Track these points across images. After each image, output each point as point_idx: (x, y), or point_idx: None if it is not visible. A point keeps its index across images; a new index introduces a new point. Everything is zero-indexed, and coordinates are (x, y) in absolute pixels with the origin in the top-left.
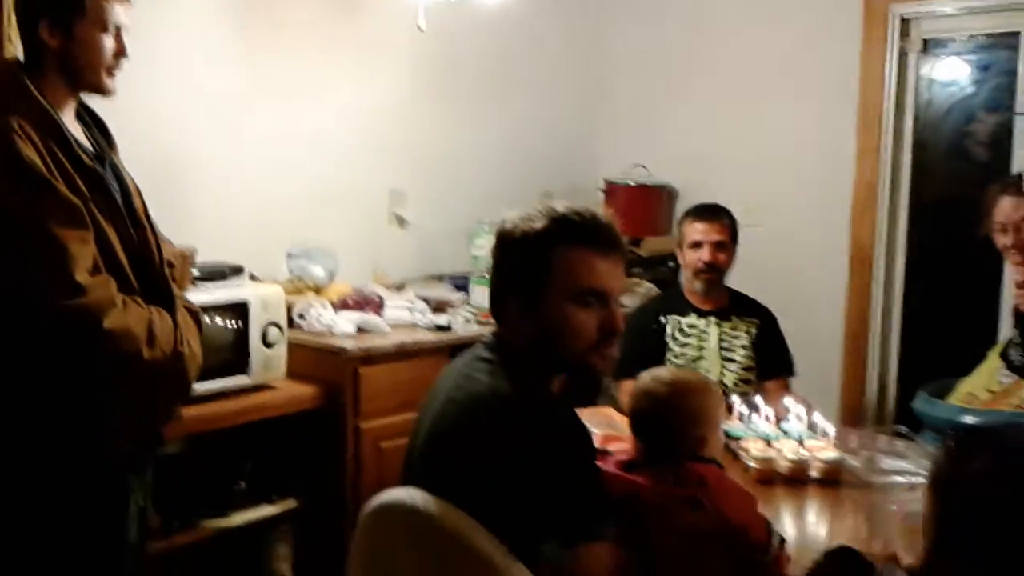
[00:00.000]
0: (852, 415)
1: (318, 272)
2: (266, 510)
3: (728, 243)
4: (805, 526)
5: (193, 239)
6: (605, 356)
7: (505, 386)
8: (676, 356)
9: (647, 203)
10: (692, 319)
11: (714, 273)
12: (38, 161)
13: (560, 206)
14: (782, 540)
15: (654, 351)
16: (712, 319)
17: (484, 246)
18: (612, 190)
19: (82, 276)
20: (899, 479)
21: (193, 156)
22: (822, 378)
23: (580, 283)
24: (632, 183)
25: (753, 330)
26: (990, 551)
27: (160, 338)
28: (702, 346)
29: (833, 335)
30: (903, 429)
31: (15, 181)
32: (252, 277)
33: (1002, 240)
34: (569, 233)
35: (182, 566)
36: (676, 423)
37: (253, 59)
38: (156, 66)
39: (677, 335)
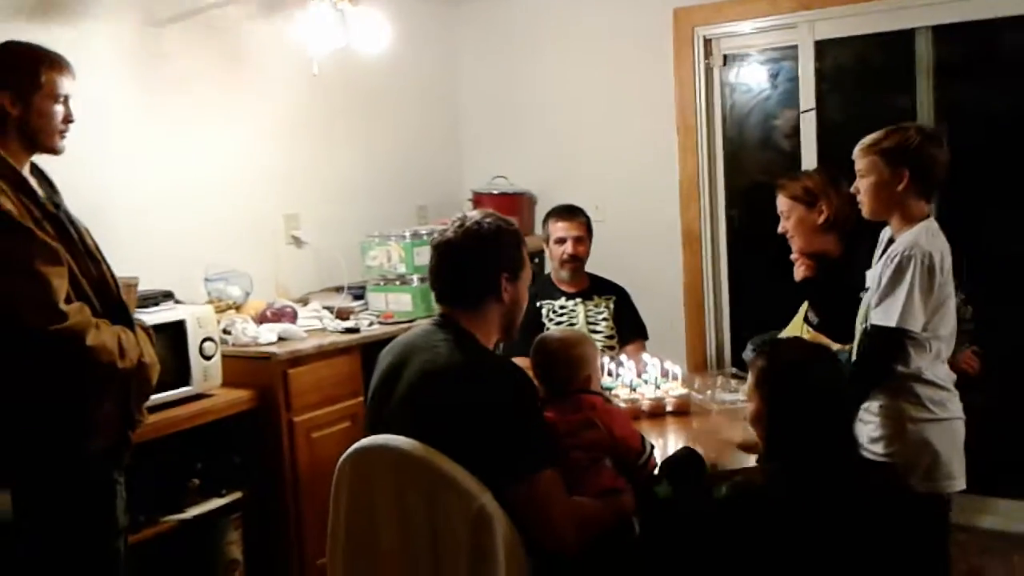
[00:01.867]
0: (698, 364)
1: (235, 292)
2: (217, 502)
3: (585, 237)
4: (666, 443)
5: (122, 271)
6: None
7: (472, 354)
8: None
9: (511, 209)
10: (562, 301)
11: (577, 262)
12: (15, 212)
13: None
14: (652, 447)
15: (534, 330)
16: (578, 299)
17: (377, 257)
18: (479, 199)
19: (63, 305)
20: (733, 406)
21: (108, 199)
22: (671, 337)
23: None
24: (496, 192)
25: (611, 305)
26: (803, 412)
27: (129, 351)
28: (572, 322)
29: (675, 302)
30: (736, 371)
31: (2, 232)
32: (177, 301)
33: (783, 225)
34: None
35: (147, 557)
36: (569, 367)
37: (154, 105)
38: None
39: (551, 315)
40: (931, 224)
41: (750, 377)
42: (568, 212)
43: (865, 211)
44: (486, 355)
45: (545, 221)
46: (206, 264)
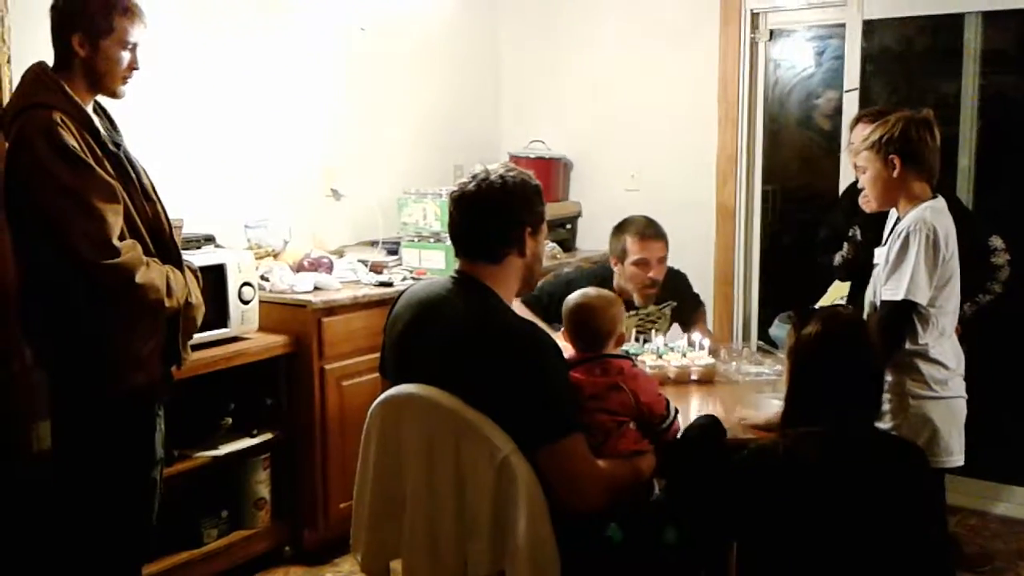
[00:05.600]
0: (724, 338)
1: (274, 240)
2: (248, 442)
3: (666, 256)
4: (689, 410)
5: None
6: None
7: (499, 314)
8: None
9: (547, 173)
10: None
11: (656, 288)
12: (78, 148)
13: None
14: (676, 411)
15: None
16: (633, 312)
17: (412, 214)
18: (516, 162)
19: (116, 241)
20: (757, 379)
21: (154, 141)
22: None
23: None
24: (533, 156)
25: (668, 312)
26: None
27: (176, 291)
28: None
29: (706, 276)
30: (763, 344)
31: (64, 164)
32: (217, 246)
33: (852, 159)
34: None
35: (179, 490)
36: (603, 326)
37: (204, 54)
38: None
39: None
40: (936, 203)
41: (785, 345)
42: (652, 232)
43: (873, 204)
44: (512, 316)
45: (619, 233)
46: (247, 212)
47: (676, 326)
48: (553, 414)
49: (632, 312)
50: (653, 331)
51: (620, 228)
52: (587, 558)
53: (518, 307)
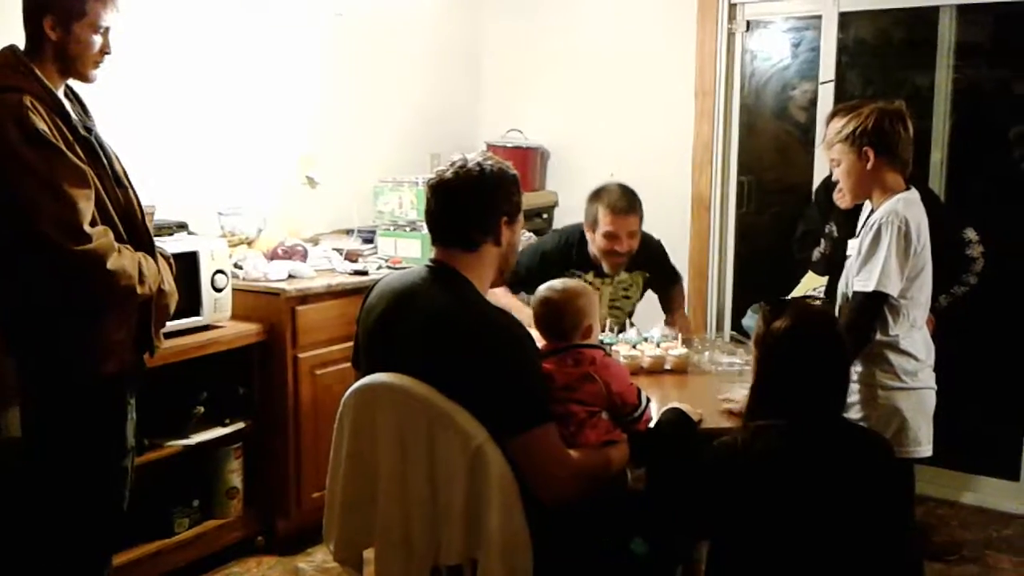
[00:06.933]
0: (698, 328)
1: (248, 228)
2: (220, 431)
3: (639, 231)
4: (664, 400)
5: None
6: None
7: (474, 305)
8: None
9: (524, 163)
10: (591, 276)
11: (623, 259)
12: (48, 132)
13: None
14: (648, 401)
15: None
16: (607, 279)
17: (388, 202)
18: (493, 151)
19: (88, 227)
20: (729, 369)
21: (126, 126)
22: None
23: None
24: (510, 145)
25: (641, 280)
26: (789, 381)
27: (148, 278)
28: None
29: (680, 267)
30: (735, 334)
31: (34, 149)
32: (190, 233)
33: (829, 154)
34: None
35: (151, 479)
36: (573, 317)
37: (178, 38)
38: None
39: None
40: (909, 195)
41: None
42: (625, 206)
43: (849, 198)
44: (487, 307)
45: (594, 200)
46: (221, 198)
47: (650, 314)
48: (525, 404)
49: (607, 279)
50: (626, 299)
51: (595, 196)
52: (609, 571)
53: (503, 293)
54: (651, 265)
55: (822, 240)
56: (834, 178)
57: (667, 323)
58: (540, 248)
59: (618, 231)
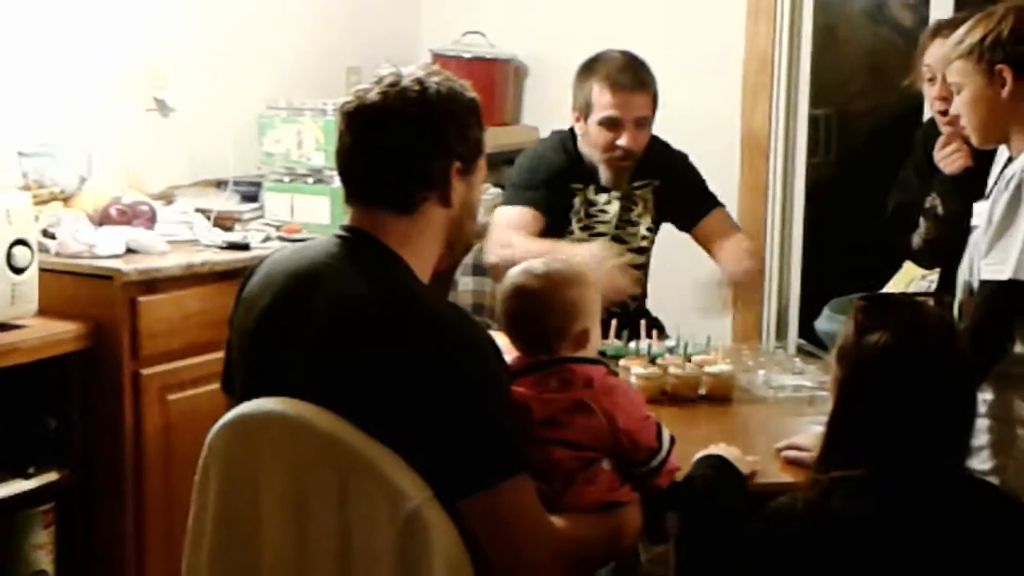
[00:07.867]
0: (748, 332)
1: (65, 176)
2: (19, 486)
3: (650, 117)
4: (697, 442)
5: None
6: None
7: (409, 299)
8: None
9: (488, 81)
10: (590, 193)
11: (631, 159)
12: None
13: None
14: (672, 441)
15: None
16: (615, 194)
17: (281, 140)
18: (441, 64)
19: None
20: (796, 395)
21: None
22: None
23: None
24: (467, 56)
25: (650, 195)
26: (883, 420)
27: None
28: (600, 228)
29: None
30: (805, 344)
31: None
32: None
33: (930, 92)
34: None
35: None
36: (556, 318)
37: None
38: None
39: (583, 215)
40: None
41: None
42: (630, 79)
43: (973, 140)
44: (427, 299)
45: (585, 77)
46: (22, 132)
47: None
48: (485, 447)
49: (611, 194)
50: (631, 229)
51: (587, 69)
52: None
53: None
54: (664, 171)
55: (921, 220)
56: (952, 111)
57: (718, 259)
58: (543, 158)
59: (622, 115)
